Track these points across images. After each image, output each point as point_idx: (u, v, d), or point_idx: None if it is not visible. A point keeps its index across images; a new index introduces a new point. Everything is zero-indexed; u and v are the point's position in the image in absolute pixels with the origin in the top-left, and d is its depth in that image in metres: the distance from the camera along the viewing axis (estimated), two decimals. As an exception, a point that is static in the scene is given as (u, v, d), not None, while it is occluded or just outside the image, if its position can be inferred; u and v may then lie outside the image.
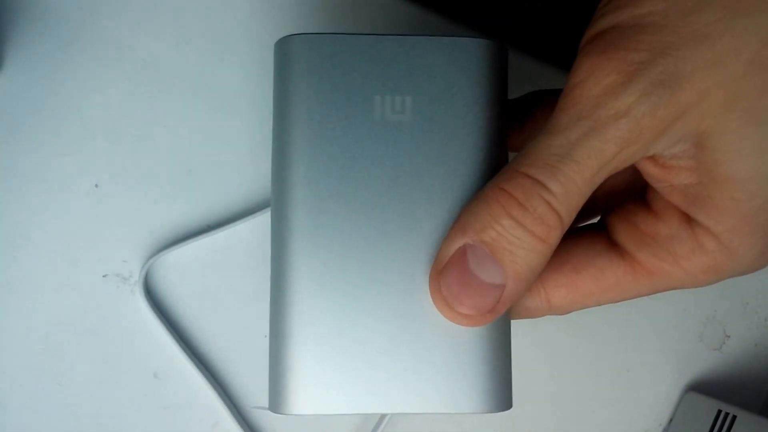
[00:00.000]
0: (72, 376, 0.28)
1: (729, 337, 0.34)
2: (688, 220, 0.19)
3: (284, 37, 0.21)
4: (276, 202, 0.21)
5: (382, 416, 0.29)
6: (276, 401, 0.20)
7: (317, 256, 0.20)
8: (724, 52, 0.17)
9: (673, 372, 0.33)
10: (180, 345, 0.29)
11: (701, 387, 0.33)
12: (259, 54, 0.30)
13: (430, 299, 0.20)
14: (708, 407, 0.30)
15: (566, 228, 0.19)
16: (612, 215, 0.22)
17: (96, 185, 0.29)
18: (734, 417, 0.29)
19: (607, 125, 0.17)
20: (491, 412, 0.20)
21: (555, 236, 0.18)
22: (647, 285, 0.21)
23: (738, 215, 0.18)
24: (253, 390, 0.30)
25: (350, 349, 0.20)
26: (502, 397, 0.21)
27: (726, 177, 0.18)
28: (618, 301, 0.22)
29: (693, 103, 0.17)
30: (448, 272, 0.19)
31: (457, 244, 0.19)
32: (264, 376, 0.30)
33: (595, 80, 0.17)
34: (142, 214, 0.29)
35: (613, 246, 0.21)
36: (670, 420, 0.32)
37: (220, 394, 0.29)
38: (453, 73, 0.20)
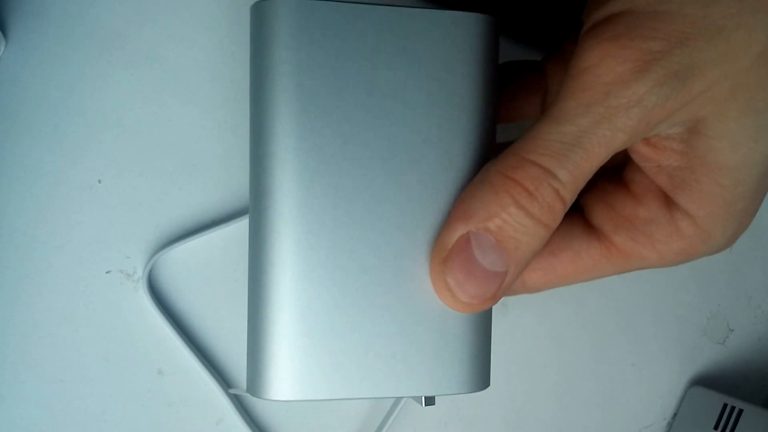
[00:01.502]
0: (75, 372, 0.28)
1: (733, 331, 0.34)
2: (668, 204, 0.20)
3: (263, 1, 0.19)
4: (256, 183, 0.19)
5: (392, 407, 0.29)
6: (255, 385, 0.19)
7: (301, 236, 0.19)
8: (737, 45, 0.17)
9: (677, 366, 0.33)
10: (184, 341, 0.28)
11: (705, 381, 0.33)
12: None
13: (416, 283, 0.19)
14: (713, 401, 0.30)
15: (568, 207, 0.19)
16: (588, 196, 0.22)
17: (99, 181, 0.29)
18: (740, 411, 0.29)
19: (618, 114, 0.17)
20: (473, 392, 0.21)
21: (558, 221, 0.18)
22: (621, 266, 0.21)
23: (720, 201, 0.19)
24: (258, 386, 0.30)
25: (332, 332, 0.19)
26: (483, 377, 0.21)
27: (717, 163, 0.18)
28: (589, 280, 0.22)
29: (700, 92, 0.17)
30: (453, 261, 0.19)
31: (459, 232, 0.19)
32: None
33: (607, 67, 0.17)
34: (146, 210, 0.29)
35: (590, 228, 0.21)
36: (675, 414, 0.32)
37: (224, 390, 0.29)
38: (449, 48, 0.19)
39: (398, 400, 0.29)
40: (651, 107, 0.17)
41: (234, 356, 0.29)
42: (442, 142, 0.19)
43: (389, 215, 0.19)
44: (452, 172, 0.19)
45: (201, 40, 0.29)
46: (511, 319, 0.31)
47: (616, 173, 0.21)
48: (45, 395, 0.28)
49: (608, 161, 0.22)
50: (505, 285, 0.19)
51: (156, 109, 0.29)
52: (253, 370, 0.20)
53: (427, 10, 0.19)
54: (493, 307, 0.31)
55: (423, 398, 0.30)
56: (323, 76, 0.19)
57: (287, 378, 0.19)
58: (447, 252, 0.19)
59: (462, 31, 0.19)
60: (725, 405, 0.29)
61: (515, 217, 0.18)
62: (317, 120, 0.19)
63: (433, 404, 0.28)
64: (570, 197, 0.18)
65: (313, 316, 0.19)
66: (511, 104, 0.23)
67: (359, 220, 0.19)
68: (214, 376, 0.28)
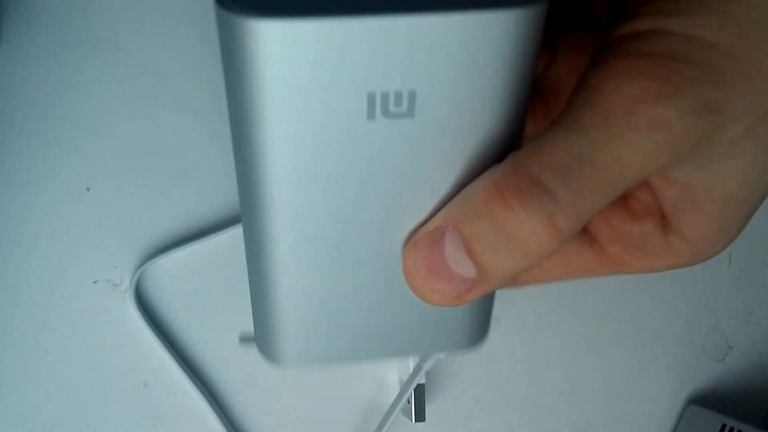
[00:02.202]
0: (60, 384, 0.28)
1: (732, 347, 0.33)
2: (663, 225, 0.19)
3: (240, 19, 0.14)
4: (245, 185, 0.18)
5: (380, 425, 0.28)
6: (267, 352, 0.20)
7: (297, 216, 0.17)
8: None
9: (675, 384, 0.32)
10: (171, 354, 0.28)
11: (703, 399, 0.32)
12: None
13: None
14: (711, 421, 0.29)
15: (566, 242, 0.16)
16: None
17: (88, 189, 0.28)
18: (738, 432, 0.28)
19: (640, 134, 0.15)
20: (473, 346, 0.20)
21: (544, 253, 0.16)
22: (610, 272, 0.21)
23: (718, 226, 0.18)
24: (245, 400, 0.29)
25: (336, 299, 0.19)
26: (483, 332, 0.20)
27: (723, 197, 0.17)
28: (575, 279, 0.22)
29: (723, 127, 0.16)
30: (421, 249, 0.17)
31: (438, 223, 0.17)
32: (257, 388, 0.29)
33: (632, 82, 0.15)
34: (135, 219, 0.29)
35: (583, 231, 0.21)
36: (672, 433, 0.32)
37: (211, 404, 0.28)
38: (475, 57, 0.15)
39: (386, 418, 0.28)
40: (678, 134, 0.15)
41: (222, 369, 0.29)
42: (461, 171, 0.17)
43: (394, 201, 0.18)
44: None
45: (193, 48, 0.29)
46: (504, 334, 0.31)
47: None
48: (29, 407, 0.28)
49: None
50: (473, 294, 0.17)
51: (146, 117, 0.29)
52: (263, 337, 0.20)
53: (448, 15, 0.15)
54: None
55: (413, 413, 0.29)
56: (317, 100, 0.16)
57: (297, 346, 0.19)
58: (422, 236, 0.18)
59: (493, 39, 0.15)
60: (723, 425, 0.29)
61: (489, 232, 0.16)
62: (309, 149, 0.16)
63: (423, 420, 0.28)
64: (569, 224, 0.16)
65: (318, 286, 0.19)
66: None
67: (356, 199, 0.17)
68: (201, 390, 0.28)
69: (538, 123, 0.21)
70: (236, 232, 0.28)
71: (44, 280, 0.28)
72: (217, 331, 0.29)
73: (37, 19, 0.28)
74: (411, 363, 0.29)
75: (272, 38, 0.14)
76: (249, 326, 0.30)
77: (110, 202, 0.28)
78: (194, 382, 0.28)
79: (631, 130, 0.15)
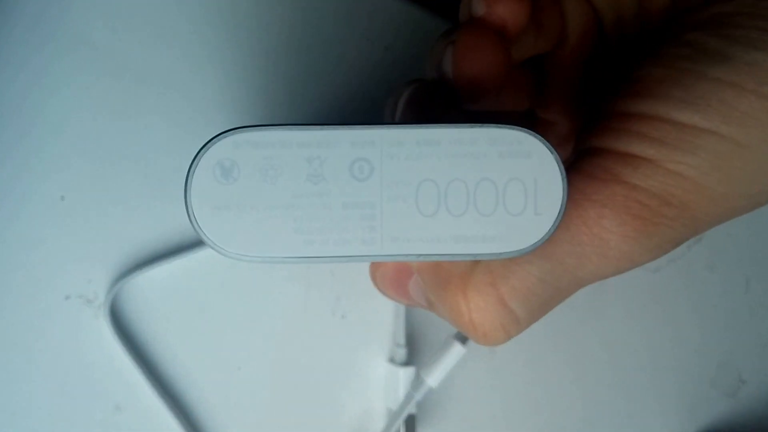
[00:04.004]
0: (26, 405, 0.26)
1: (744, 382, 0.32)
2: None
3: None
4: None
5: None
6: None
7: None
8: (733, 210, 0.17)
9: (680, 420, 0.31)
10: (145, 375, 0.26)
11: (712, 436, 0.31)
12: (246, 63, 0.28)
13: None
14: (720, 466, 0.28)
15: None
16: None
17: (62, 197, 0.27)
18: (749, 479, 0.26)
19: (607, 263, 0.17)
20: None
21: (488, 344, 0.18)
22: None
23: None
24: (224, 426, 0.27)
25: None
26: None
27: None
28: None
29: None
30: (389, 270, 0.20)
31: (409, 264, 0.19)
32: (236, 411, 0.28)
33: (615, 215, 0.16)
34: (111, 231, 0.27)
35: None
36: (677, 472, 0.30)
37: (187, 430, 0.26)
38: None
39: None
40: (641, 262, 0.17)
41: (199, 393, 0.27)
42: None
43: None
44: None
45: (178, 54, 0.27)
46: (498, 363, 0.29)
47: None
48: (-7, 428, 0.26)
49: None
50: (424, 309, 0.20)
51: (125, 122, 0.27)
52: None
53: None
54: (477, 352, 0.29)
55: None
56: None
57: None
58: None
59: None
60: (733, 470, 0.27)
61: (445, 313, 0.18)
62: None
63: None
64: (518, 332, 0.18)
65: None
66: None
67: None
68: (176, 415, 0.26)
69: (521, 97, 0.21)
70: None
71: (12, 293, 0.26)
72: (195, 352, 0.27)
73: (8, 15, 0.27)
74: (401, 392, 0.27)
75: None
76: (228, 348, 0.28)
77: (85, 213, 0.27)
78: (170, 407, 0.26)
79: (601, 259, 0.16)
